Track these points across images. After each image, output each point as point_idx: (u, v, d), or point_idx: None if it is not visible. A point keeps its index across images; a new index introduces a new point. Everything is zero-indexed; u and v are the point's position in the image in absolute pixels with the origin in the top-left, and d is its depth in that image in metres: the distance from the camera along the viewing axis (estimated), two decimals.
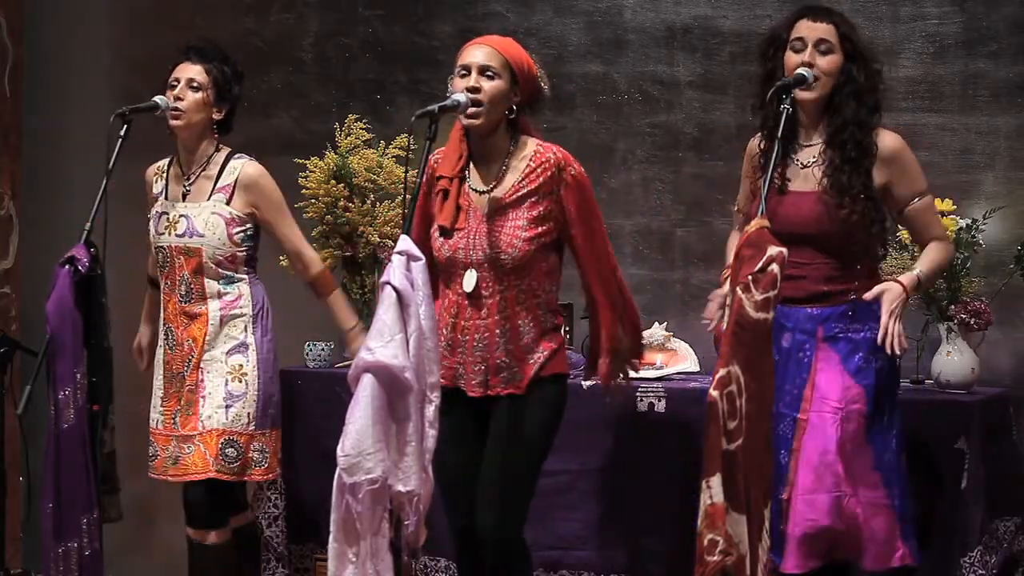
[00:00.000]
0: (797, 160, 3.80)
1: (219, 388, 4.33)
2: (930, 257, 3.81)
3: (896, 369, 3.84)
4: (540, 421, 3.84)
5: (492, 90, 3.76)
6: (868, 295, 3.70)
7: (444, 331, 3.83)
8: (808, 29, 3.76)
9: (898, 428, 3.77)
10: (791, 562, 3.65)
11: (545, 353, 3.83)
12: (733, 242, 3.90)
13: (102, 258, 4.11)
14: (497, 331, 3.80)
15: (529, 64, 3.84)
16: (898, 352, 3.66)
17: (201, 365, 4.33)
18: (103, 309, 4.10)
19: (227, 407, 4.33)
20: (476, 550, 3.84)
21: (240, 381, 4.35)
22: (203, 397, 4.32)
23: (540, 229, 3.79)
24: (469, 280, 3.79)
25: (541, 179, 3.79)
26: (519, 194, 3.80)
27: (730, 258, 3.79)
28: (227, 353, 4.35)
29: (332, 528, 3.35)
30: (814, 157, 3.79)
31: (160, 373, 4.42)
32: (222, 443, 4.31)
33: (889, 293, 3.68)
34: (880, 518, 3.70)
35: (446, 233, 3.82)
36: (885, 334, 3.64)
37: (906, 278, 3.72)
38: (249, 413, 4.35)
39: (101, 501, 4.13)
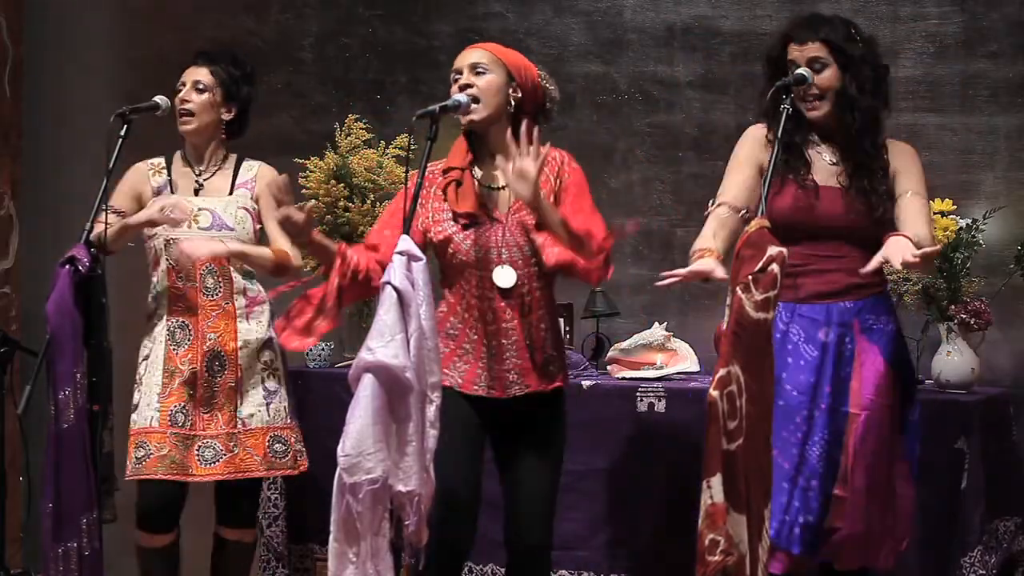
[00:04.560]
0: (824, 157, 3.80)
1: (257, 386, 4.36)
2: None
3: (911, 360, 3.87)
4: (565, 422, 3.86)
5: (485, 83, 3.76)
6: (875, 260, 3.49)
7: (469, 333, 3.74)
8: (797, 52, 3.73)
9: (919, 417, 3.78)
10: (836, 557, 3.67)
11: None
12: (709, 230, 3.75)
13: (102, 258, 4.10)
14: (543, 325, 3.78)
15: (527, 66, 3.82)
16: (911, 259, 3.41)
17: (239, 363, 4.33)
18: (103, 309, 4.09)
19: (267, 404, 4.36)
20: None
21: (274, 377, 4.39)
22: (241, 395, 4.34)
23: None
24: (507, 276, 3.74)
25: (548, 179, 3.78)
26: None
27: (704, 242, 3.70)
28: (259, 349, 4.37)
29: (332, 528, 3.34)
30: (837, 157, 3.79)
31: (158, 369, 4.32)
32: (269, 440, 4.34)
33: (897, 243, 3.50)
34: (902, 511, 3.71)
35: (474, 222, 3.74)
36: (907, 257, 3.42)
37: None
38: (285, 407, 4.40)
39: (101, 501, 4.13)
